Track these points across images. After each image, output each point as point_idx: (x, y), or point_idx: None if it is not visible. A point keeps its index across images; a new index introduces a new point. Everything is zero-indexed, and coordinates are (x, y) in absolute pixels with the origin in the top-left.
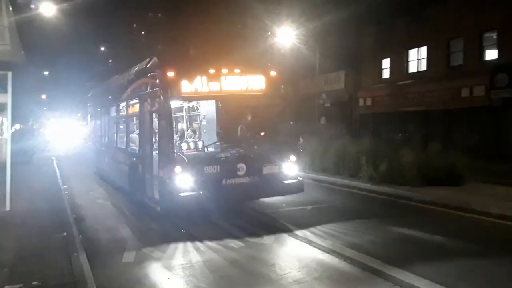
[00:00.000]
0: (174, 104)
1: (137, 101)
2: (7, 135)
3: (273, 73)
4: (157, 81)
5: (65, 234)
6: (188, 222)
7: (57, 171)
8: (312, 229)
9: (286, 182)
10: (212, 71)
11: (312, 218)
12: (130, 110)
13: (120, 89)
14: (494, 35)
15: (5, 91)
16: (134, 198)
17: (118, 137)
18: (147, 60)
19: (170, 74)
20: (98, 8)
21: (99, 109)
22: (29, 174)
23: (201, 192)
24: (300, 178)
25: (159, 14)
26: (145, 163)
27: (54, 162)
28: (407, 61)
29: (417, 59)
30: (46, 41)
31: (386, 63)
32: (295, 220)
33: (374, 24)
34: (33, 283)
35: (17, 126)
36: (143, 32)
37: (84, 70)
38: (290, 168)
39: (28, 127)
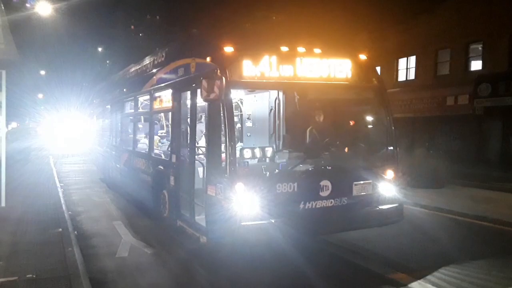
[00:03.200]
0: (234, 93)
1: (168, 91)
2: (2, 133)
3: (362, 57)
4: (206, 61)
5: (60, 230)
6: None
7: (54, 172)
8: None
9: (382, 207)
10: (284, 49)
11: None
12: (156, 104)
13: (141, 79)
14: (479, 47)
15: None
16: (159, 217)
17: (135, 138)
18: (187, 35)
19: (228, 50)
20: (95, 9)
21: (108, 106)
22: (25, 173)
23: (273, 221)
24: (400, 201)
25: (157, 16)
26: (181, 174)
27: (51, 162)
28: (397, 70)
29: (406, 68)
30: (43, 41)
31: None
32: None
33: (366, 33)
34: (28, 276)
35: (14, 125)
36: (141, 34)
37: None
38: (387, 188)
39: (24, 126)
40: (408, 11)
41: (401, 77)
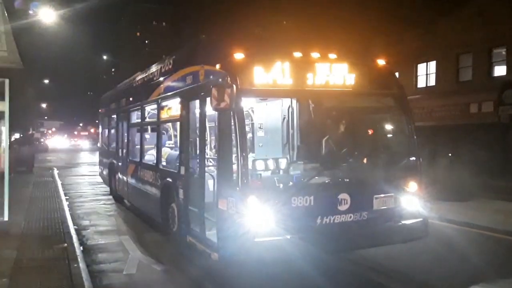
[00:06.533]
0: (245, 101)
1: (176, 100)
2: (5, 144)
3: (381, 62)
4: (216, 68)
5: (65, 245)
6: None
7: (59, 184)
8: None
9: (406, 222)
10: (298, 54)
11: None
12: (164, 114)
13: (148, 87)
14: (503, 51)
15: (2, 98)
16: (168, 232)
17: (142, 150)
18: (195, 41)
19: (239, 56)
20: (100, 16)
21: (114, 115)
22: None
23: (288, 237)
24: (425, 215)
25: (163, 23)
26: (190, 187)
27: (56, 174)
28: (416, 76)
29: (426, 73)
30: (46, 49)
31: None
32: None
33: (383, 37)
34: None
35: (17, 135)
36: (147, 41)
37: (86, 79)
38: (410, 201)
39: (28, 136)
40: (426, 14)
41: (421, 83)
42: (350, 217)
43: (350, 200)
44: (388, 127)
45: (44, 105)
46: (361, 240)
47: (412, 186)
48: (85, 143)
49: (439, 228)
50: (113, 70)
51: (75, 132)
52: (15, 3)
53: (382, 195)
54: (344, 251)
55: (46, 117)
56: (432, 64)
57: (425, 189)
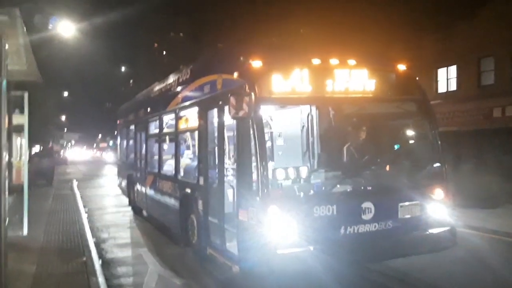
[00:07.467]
0: (263, 109)
1: (194, 110)
2: (24, 157)
3: (402, 67)
4: (233, 76)
5: (84, 258)
6: None
7: (78, 197)
8: None
9: (433, 231)
10: (316, 61)
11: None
12: (182, 123)
13: (166, 97)
14: None
15: (22, 111)
16: (188, 244)
17: (161, 160)
18: (212, 50)
19: (256, 64)
20: (117, 29)
21: (132, 126)
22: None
23: (311, 248)
24: (452, 224)
25: (180, 34)
26: (210, 198)
27: (75, 187)
28: (437, 80)
29: (447, 78)
30: (65, 62)
31: None
32: None
33: (401, 43)
34: None
35: (37, 148)
36: (164, 52)
37: (104, 91)
38: (437, 209)
39: (48, 148)
40: (445, 18)
41: (442, 88)
42: (375, 226)
43: (374, 209)
44: (411, 133)
45: (63, 118)
46: (386, 251)
47: (438, 193)
48: (109, 155)
49: (467, 237)
50: (131, 81)
51: (94, 144)
52: (35, 19)
53: (408, 203)
54: (368, 262)
55: (65, 129)
56: (453, 69)
57: (451, 196)
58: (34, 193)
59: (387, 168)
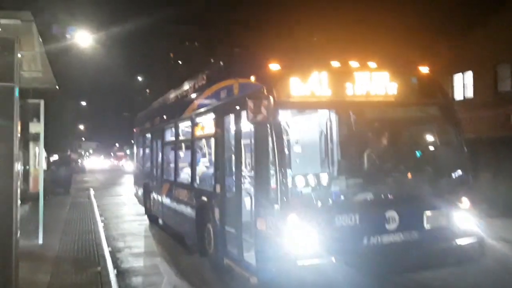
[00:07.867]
0: (282, 114)
1: (210, 116)
2: (40, 165)
3: (424, 70)
4: (251, 80)
5: (99, 268)
6: None
7: (95, 206)
8: None
9: (460, 242)
10: (336, 64)
11: None
12: (198, 130)
13: (181, 104)
14: None
15: (38, 120)
16: (204, 254)
17: (177, 168)
18: (228, 55)
19: (274, 67)
20: (134, 39)
21: (148, 134)
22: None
23: (333, 259)
24: (480, 234)
25: (196, 43)
26: (227, 206)
27: (92, 195)
28: (453, 87)
29: (463, 84)
30: (83, 72)
31: None
32: None
33: (416, 48)
34: None
35: (55, 157)
36: (180, 61)
37: (121, 100)
38: (464, 218)
39: (66, 157)
40: (461, 24)
41: (458, 94)
42: (400, 236)
43: (399, 218)
44: (435, 138)
45: (82, 127)
46: (411, 263)
47: (465, 201)
48: (128, 164)
49: (494, 248)
50: (147, 90)
51: (111, 153)
52: (53, 29)
53: (433, 212)
54: (393, 275)
55: (83, 138)
56: (469, 75)
57: (478, 205)
58: (51, 201)
59: (410, 175)
